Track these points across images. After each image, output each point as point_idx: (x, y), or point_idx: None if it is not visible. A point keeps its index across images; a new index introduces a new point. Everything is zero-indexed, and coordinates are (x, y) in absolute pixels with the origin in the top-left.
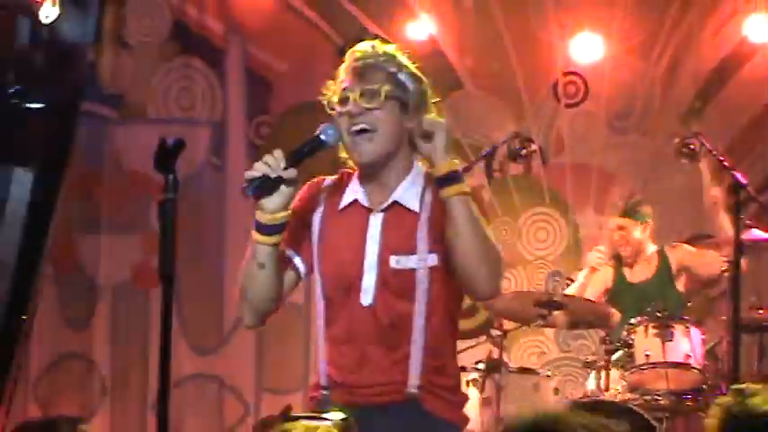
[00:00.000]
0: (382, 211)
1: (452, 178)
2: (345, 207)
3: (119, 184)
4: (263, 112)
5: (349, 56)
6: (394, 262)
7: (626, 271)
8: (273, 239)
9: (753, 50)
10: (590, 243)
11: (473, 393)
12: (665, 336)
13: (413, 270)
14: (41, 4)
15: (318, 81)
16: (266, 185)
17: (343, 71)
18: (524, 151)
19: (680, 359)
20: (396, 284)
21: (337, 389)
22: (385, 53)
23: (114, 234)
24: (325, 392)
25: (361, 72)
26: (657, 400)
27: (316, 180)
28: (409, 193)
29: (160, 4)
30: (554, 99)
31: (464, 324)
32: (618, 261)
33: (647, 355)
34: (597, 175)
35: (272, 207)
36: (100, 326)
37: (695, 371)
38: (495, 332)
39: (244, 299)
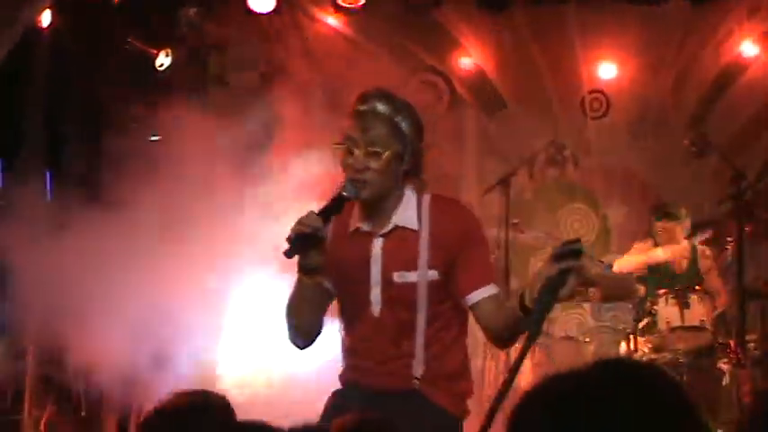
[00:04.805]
0: (383, 235)
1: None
2: (352, 232)
3: None
4: None
5: (359, 101)
6: (397, 277)
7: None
8: (317, 279)
9: (747, 64)
10: (617, 231)
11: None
12: (683, 305)
13: (414, 283)
14: (157, 54)
15: None
16: (306, 243)
17: (352, 115)
18: (559, 157)
19: (695, 323)
20: (399, 296)
21: (356, 373)
22: (387, 100)
23: None
24: (348, 374)
25: (365, 123)
26: (678, 358)
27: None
28: (406, 215)
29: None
30: (582, 113)
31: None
32: (657, 245)
33: (668, 322)
34: (621, 174)
35: (315, 260)
36: None
37: (708, 332)
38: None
39: (296, 329)
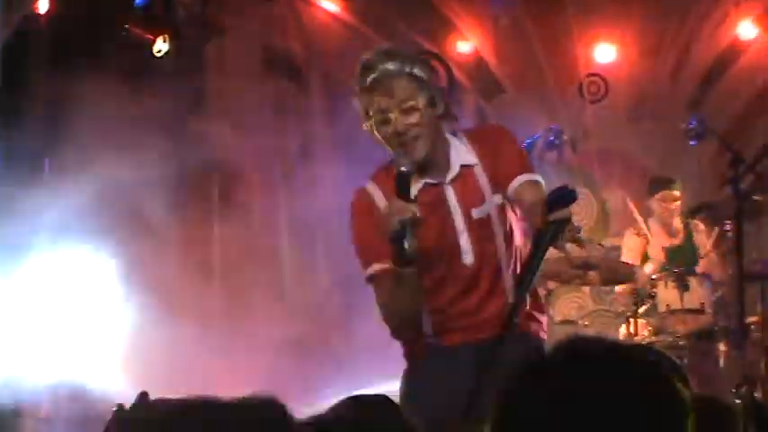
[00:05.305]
0: (451, 181)
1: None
2: (420, 190)
3: None
4: None
5: (365, 71)
6: (476, 213)
7: (660, 239)
8: (413, 266)
9: (743, 47)
10: (616, 214)
11: None
12: (682, 287)
13: (489, 214)
14: (155, 40)
15: None
16: (409, 230)
17: (367, 89)
18: (558, 141)
19: (695, 306)
20: (482, 233)
21: (448, 334)
22: (392, 57)
23: None
24: (431, 339)
25: (387, 87)
26: (677, 341)
27: (358, 195)
28: (462, 154)
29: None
30: (580, 97)
31: None
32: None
33: (668, 305)
34: (619, 157)
35: (412, 246)
36: None
37: (708, 315)
38: (541, 291)
39: (407, 321)
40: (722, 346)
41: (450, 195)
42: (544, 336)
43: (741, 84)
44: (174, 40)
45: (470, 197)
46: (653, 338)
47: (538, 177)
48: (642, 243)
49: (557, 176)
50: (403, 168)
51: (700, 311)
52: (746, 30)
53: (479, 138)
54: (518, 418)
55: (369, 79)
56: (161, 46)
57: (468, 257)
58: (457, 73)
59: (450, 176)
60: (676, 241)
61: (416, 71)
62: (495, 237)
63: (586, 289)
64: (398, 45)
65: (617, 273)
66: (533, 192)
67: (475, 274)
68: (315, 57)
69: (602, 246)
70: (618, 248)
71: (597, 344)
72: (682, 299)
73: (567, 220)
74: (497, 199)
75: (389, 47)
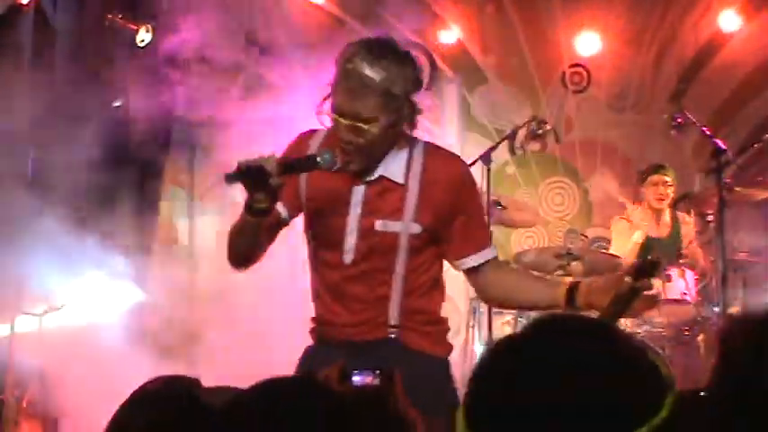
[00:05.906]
0: (367, 182)
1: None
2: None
3: None
4: None
5: (346, 55)
6: (379, 225)
7: (649, 229)
8: (261, 219)
9: (725, 39)
10: (598, 203)
11: (507, 332)
12: (664, 277)
13: (397, 233)
14: (137, 30)
15: None
16: (252, 180)
17: (338, 79)
18: (540, 131)
19: (677, 296)
20: (378, 245)
21: (327, 326)
22: (377, 62)
23: None
24: (318, 327)
25: (352, 90)
26: (660, 331)
27: (309, 131)
28: (393, 166)
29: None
30: (563, 87)
31: None
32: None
33: None
34: (601, 147)
35: (261, 204)
36: None
37: (690, 305)
38: None
39: (233, 254)
40: (704, 337)
41: (357, 194)
42: (441, 354)
43: (724, 74)
44: (158, 29)
45: (380, 207)
46: (635, 329)
47: (496, 253)
48: (632, 228)
49: (539, 166)
50: (319, 160)
51: (682, 302)
52: (729, 20)
53: (437, 165)
54: (493, 396)
55: (345, 67)
56: (144, 36)
57: (348, 257)
58: (440, 62)
59: (368, 177)
60: (664, 232)
61: (394, 87)
62: (393, 256)
63: (568, 279)
64: (389, 42)
65: (599, 264)
66: (495, 270)
67: (355, 277)
68: (297, 46)
69: (586, 236)
70: (602, 239)
71: (570, 319)
72: (664, 289)
73: (648, 288)
74: (416, 227)
75: (384, 47)
